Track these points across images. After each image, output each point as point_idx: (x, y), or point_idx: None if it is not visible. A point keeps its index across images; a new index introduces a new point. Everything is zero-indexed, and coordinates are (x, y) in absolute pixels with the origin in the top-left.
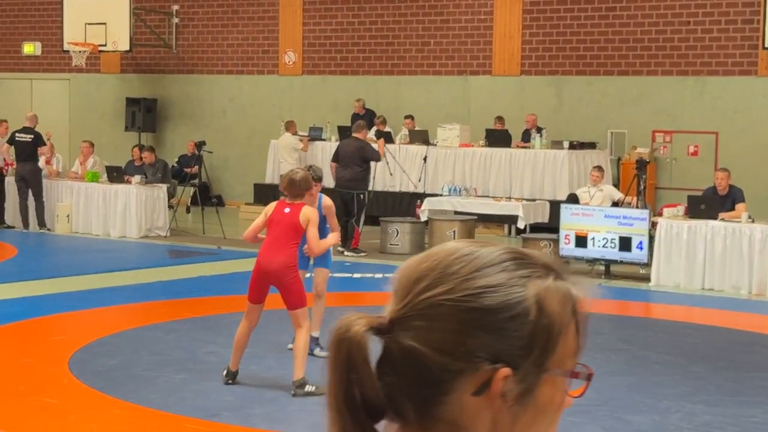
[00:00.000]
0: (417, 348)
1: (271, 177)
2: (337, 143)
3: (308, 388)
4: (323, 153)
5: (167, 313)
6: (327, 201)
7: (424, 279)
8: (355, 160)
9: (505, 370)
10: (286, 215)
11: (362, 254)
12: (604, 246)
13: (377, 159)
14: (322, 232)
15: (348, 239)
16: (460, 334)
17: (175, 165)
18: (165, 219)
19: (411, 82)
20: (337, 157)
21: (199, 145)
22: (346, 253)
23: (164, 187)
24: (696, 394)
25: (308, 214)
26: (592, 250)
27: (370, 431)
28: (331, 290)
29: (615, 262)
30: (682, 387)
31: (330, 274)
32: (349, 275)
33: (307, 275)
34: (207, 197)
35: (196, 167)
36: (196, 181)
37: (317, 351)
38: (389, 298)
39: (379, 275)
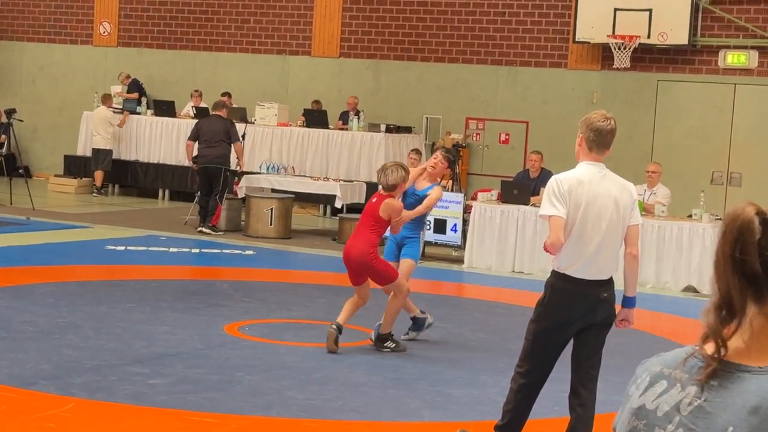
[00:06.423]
0: None
1: (82, 149)
2: (153, 116)
3: (388, 344)
4: (138, 127)
5: None
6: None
7: None
8: (222, 136)
9: None
10: (372, 204)
11: (220, 233)
12: None
13: (238, 140)
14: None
15: (208, 216)
16: None
17: None
18: None
19: (229, 60)
20: (196, 136)
21: (9, 112)
22: (205, 230)
23: None
24: (511, 370)
25: (390, 205)
26: None
27: (746, 290)
28: (152, 263)
29: (430, 243)
30: (497, 363)
31: (416, 266)
32: (165, 249)
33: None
34: (14, 168)
35: (4, 136)
36: (3, 150)
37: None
38: None
39: (196, 250)
